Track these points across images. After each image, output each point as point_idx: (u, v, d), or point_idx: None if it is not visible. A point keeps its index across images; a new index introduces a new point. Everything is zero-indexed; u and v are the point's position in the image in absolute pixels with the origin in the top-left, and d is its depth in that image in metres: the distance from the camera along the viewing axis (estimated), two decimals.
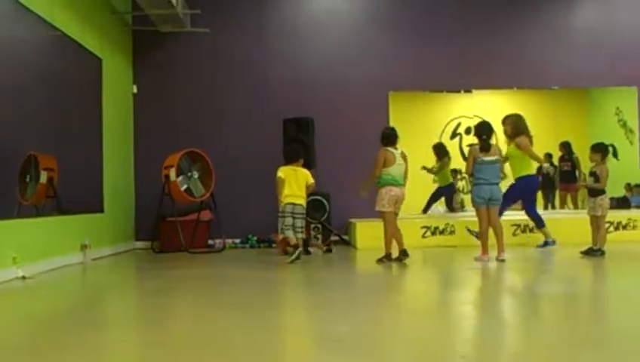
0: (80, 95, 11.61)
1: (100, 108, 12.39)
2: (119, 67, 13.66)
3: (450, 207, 15.62)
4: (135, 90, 14.34)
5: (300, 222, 10.67)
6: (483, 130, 10.60)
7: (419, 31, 14.84)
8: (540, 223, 11.76)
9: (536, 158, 11.77)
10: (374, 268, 10.20)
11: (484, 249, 10.30)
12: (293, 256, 10.48)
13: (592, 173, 10.74)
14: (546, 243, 11.62)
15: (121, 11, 13.69)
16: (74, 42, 11.21)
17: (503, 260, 10.16)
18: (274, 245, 13.25)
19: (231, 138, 14.20)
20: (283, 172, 10.69)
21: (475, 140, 10.68)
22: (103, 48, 12.57)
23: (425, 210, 15.24)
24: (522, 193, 11.71)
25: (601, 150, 10.62)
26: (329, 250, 12.18)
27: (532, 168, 11.76)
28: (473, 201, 10.57)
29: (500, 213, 11.00)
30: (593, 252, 10.45)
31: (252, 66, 14.51)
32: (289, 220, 10.57)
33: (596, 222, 10.61)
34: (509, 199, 11.37)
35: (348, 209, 13.74)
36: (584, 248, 10.64)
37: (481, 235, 10.43)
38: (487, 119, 11.45)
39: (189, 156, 12.90)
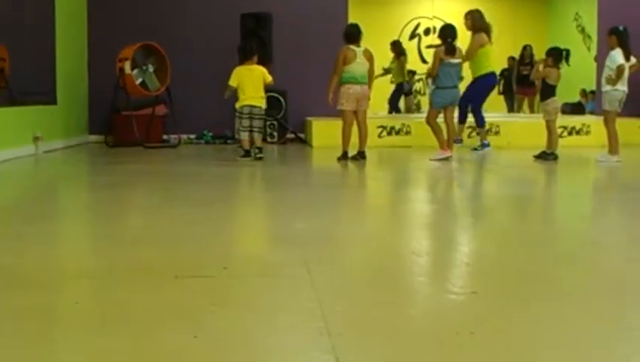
0: None
1: None
2: None
3: (394, 107, 15.54)
4: None
5: (258, 122, 10.53)
6: (448, 32, 10.54)
7: None
8: (481, 123, 11.73)
9: (467, 57, 11.40)
10: (330, 167, 10.23)
11: (443, 145, 10.33)
12: (253, 156, 10.35)
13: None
14: (483, 146, 11.61)
15: None
16: None
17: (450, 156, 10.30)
18: (229, 141, 13.16)
19: (187, 31, 13.91)
20: (237, 75, 10.39)
21: (436, 42, 10.62)
22: None
23: (391, 111, 15.23)
24: (484, 93, 11.64)
25: (552, 54, 10.60)
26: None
27: (490, 65, 11.63)
28: (433, 103, 10.59)
29: (464, 117, 11.11)
30: (546, 156, 10.53)
31: None
32: (246, 122, 10.39)
33: (547, 125, 10.65)
34: (470, 99, 11.38)
35: (305, 106, 13.65)
36: (537, 152, 10.71)
37: (435, 134, 10.41)
38: (450, 22, 11.35)
39: (145, 49, 12.65)
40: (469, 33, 11.48)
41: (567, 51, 10.57)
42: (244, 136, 10.43)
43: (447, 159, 10.19)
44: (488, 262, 4.50)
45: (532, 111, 16.59)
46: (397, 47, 15.72)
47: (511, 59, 17.22)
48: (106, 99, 12.77)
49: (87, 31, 13.91)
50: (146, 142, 12.50)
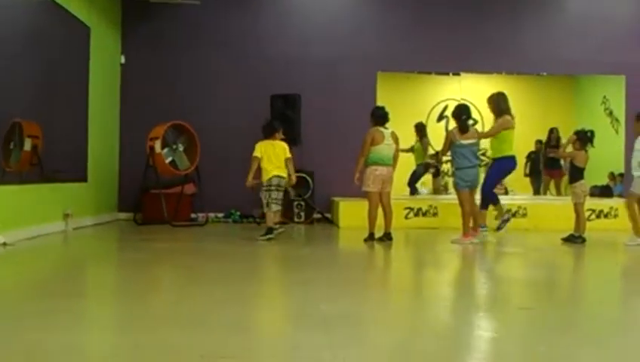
0: (67, 63, 11.54)
1: (87, 77, 12.31)
2: (107, 36, 13.58)
3: (413, 189, 15.50)
4: (123, 60, 14.24)
5: (280, 195, 10.62)
6: (462, 111, 10.59)
7: (410, 11, 14.81)
8: (495, 200, 11.44)
9: (486, 134, 11.18)
10: (356, 247, 10.24)
11: (467, 231, 10.31)
12: (275, 233, 10.42)
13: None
14: (506, 221, 11.36)
15: None
16: (62, 9, 11.12)
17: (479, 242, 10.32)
18: (258, 220, 13.20)
19: (217, 112, 14.15)
20: (260, 148, 10.52)
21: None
22: (92, 17, 12.48)
23: (412, 192, 15.24)
24: (504, 174, 11.44)
25: (579, 137, 10.67)
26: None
27: (512, 149, 11.49)
28: (457, 185, 10.54)
29: (493, 199, 10.99)
30: (574, 239, 10.51)
31: (241, 41, 14.44)
32: (275, 193, 10.47)
33: (575, 208, 10.66)
34: (492, 181, 11.16)
35: (331, 187, 13.75)
36: (565, 235, 10.69)
37: (464, 217, 10.37)
38: (468, 103, 11.34)
39: (175, 128, 12.85)
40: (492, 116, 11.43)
41: (592, 132, 10.63)
42: (276, 208, 10.48)
43: (471, 244, 10.17)
44: (513, 346, 4.47)
45: (559, 193, 16.55)
46: (420, 129, 15.81)
47: (538, 142, 17.27)
48: (136, 177, 12.93)
49: (120, 110, 14.17)
50: (175, 220, 12.60)
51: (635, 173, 10.50)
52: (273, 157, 10.49)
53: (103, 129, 13.29)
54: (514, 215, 12.36)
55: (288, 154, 10.60)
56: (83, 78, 12.19)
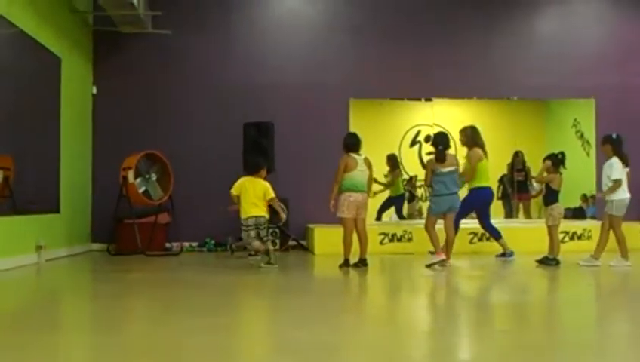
0: (38, 93, 11.48)
1: (58, 108, 12.25)
2: (79, 67, 13.53)
3: (400, 216, 15.65)
4: (95, 90, 14.20)
5: (264, 232, 10.58)
6: (439, 140, 10.66)
7: (381, 38, 14.89)
8: (496, 235, 11.73)
9: (470, 175, 11.47)
10: (331, 273, 10.23)
11: (438, 250, 10.35)
12: (268, 260, 10.43)
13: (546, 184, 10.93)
14: (503, 255, 11.60)
15: (82, 10, 13.55)
16: (32, 40, 11.07)
17: (448, 266, 10.37)
18: (233, 246, 13.12)
19: (190, 141, 14.12)
20: (240, 185, 10.52)
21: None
22: (62, 47, 12.43)
23: (378, 218, 15.29)
24: (476, 205, 11.59)
25: (552, 160, 10.78)
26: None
27: (487, 180, 11.69)
28: (430, 210, 10.63)
29: (456, 227, 11.08)
30: (548, 261, 10.56)
31: (213, 69, 14.46)
32: (253, 233, 10.46)
33: (549, 231, 10.75)
34: (462, 211, 11.29)
35: (306, 214, 13.74)
36: (539, 257, 10.75)
37: (432, 241, 10.43)
38: (444, 129, 11.45)
39: (148, 158, 12.81)
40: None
41: (562, 154, 10.77)
42: (256, 243, 10.48)
43: (442, 263, 10.21)
44: None
45: (528, 216, 16.63)
46: (392, 161, 15.88)
47: (510, 165, 17.37)
48: (109, 207, 12.86)
49: (92, 140, 14.10)
50: (149, 250, 12.53)
51: (609, 198, 10.54)
52: (253, 196, 10.44)
53: (75, 159, 13.21)
54: (488, 238, 12.43)
55: (271, 195, 10.55)
56: (54, 109, 12.13)
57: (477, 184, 11.33)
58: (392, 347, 5.19)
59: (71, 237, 12.91)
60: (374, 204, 14.40)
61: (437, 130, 15.58)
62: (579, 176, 14.93)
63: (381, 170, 14.97)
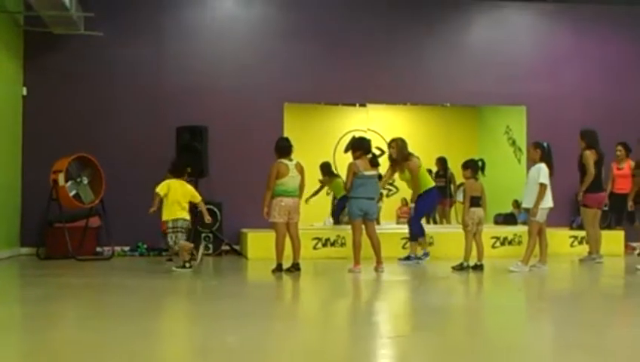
0: None
1: None
2: (8, 68, 13.27)
3: (337, 220, 15.65)
4: (25, 92, 13.94)
5: (186, 236, 10.61)
6: (366, 146, 10.77)
7: (316, 43, 14.90)
8: (421, 233, 11.94)
9: (417, 184, 11.82)
10: (264, 278, 10.22)
11: (357, 260, 10.46)
12: (197, 260, 10.48)
13: (460, 188, 11.12)
14: (425, 254, 11.81)
15: (12, 10, 13.29)
16: None
17: (382, 271, 10.42)
18: (164, 253, 13.03)
19: (123, 144, 13.94)
20: (167, 185, 10.52)
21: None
22: None
23: (336, 223, 15.23)
24: (429, 206, 11.96)
25: (470, 166, 10.90)
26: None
27: (431, 181, 12.10)
28: (350, 214, 10.74)
29: (421, 229, 11.56)
30: (465, 267, 10.65)
31: (146, 72, 14.31)
32: (181, 235, 10.46)
33: (465, 235, 10.85)
34: (420, 215, 11.89)
35: (240, 218, 13.68)
36: (456, 264, 10.83)
37: (354, 247, 10.53)
38: (379, 135, 11.53)
39: (79, 161, 12.64)
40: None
41: (482, 161, 10.95)
42: (183, 242, 10.45)
43: (357, 272, 10.32)
44: None
45: (447, 221, 16.84)
46: (326, 169, 15.83)
47: (436, 172, 17.55)
48: (39, 211, 12.66)
49: (22, 142, 13.83)
50: (79, 254, 12.36)
51: (545, 205, 10.73)
52: (181, 198, 10.49)
53: (3, 162, 12.96)
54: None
55: (199, 198, 10.74)
56: None
57: (425, 188, 11.80)
58: (320, 352, 5.20)
59: None
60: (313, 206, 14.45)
61: (371, 135, 15.71)
62: (510, 182, 15.15)
63: (314, 175, 14.96)
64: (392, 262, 11.38)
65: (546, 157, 10.83)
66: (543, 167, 10.69)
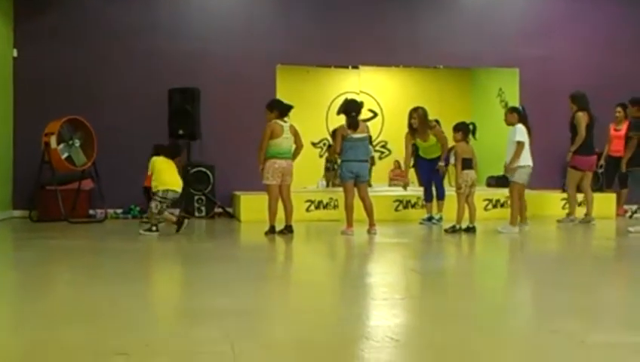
0: None
1: None
2: None
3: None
4: (15, 53, 13.85)
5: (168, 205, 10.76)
6: (352, 107, 10.76)
7: (309, 5, 14.82)
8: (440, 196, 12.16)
9: (445, 144, 11.97)
10: (257, 240, 10.25)
11: (349, 222, 10.50)
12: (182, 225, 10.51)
13: (452, 151, 11.13)
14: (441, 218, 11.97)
15: None
16: None
17: (375, 233, 10.44)
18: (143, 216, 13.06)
19: (115, 107, 13.87)
20: (157, 164, 10.67)
21: (366, 115, 10.84)
22: None
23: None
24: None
25: (460, 129, 10.92)
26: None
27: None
28: (341, 177, 10.77)
29: (443, 194, 11.85)
30: (458, 229, 10.69)
31: (139, 34, 14.20)
32: (166, 206, 10.62)
33: (465, 199, 10.89)
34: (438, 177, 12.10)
35: (232, 181, 13.68)
36: (448, 226, 10.90)
37: (346, 209, 10.56)
38: (372, 97, 11.53)
39: (71, 123, 12.59)
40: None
41: (474, 125, 10.96)
42: (169, 213, 10.65)
43: (349, 234, 10.37)
44: (411, 335, 4.53)
45: None
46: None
47: None
48: (31, 173, 12.63)
49: (13, 104, 13.77)
50: (72, 217, 12.36)
51: (523, 163, 10.81)
52: (174, 171, 10.74)
53: None
54: (413, 206, 12.71)
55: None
56: None
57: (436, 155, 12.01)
58: (315, 314, 5.23)
59: None
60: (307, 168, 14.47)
61: (364, 97, 15.68)
62: (503, 145, 15.05)
63: (307, 138, 14.93)
64: (384, 224, 11.40)
65: (523, 119, 10.94)
66: (519, 127, 10.85)
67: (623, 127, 12.69)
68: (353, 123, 10.55)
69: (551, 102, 12.49)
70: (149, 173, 10.85)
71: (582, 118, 11.83)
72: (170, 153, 10.91)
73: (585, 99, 12.01)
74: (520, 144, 10.72)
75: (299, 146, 10.62)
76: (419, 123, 11.91)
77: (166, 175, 10.56)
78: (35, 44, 13.85)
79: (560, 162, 13.50)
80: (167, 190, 10.51)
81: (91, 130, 12.64)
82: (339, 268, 8.14)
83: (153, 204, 10.53)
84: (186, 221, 10.66)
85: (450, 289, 6.52)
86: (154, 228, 10.47)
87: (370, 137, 11.02)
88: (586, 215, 12.21)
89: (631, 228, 10.80)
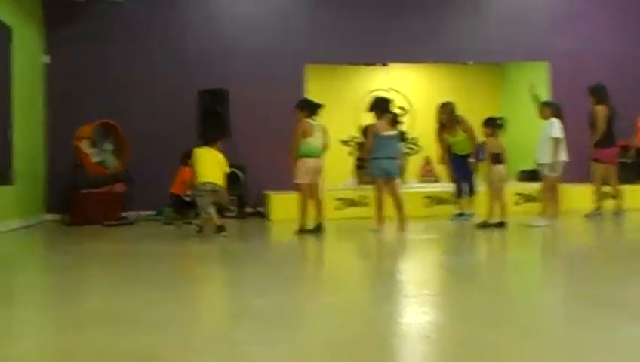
0: None
1: (9, 78, 12.06)
2: (30, 36, 13.31)
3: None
4: (48, 60, 13.97)
5: (225, 201, 10.56)
6: (385, 105, 10.75)
7: (336, 3, 14.83)
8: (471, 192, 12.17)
9: (474, 138, 11.98)
10: (288, 240, 10.25)
11: (380, 220, 10.50)
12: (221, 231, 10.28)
13: (481, 146, 11.08)
14: (461, 214, 11.92)
15: None
16: None
17: (405, 230, 10.43)
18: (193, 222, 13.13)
19: (146, 110, 13.98)
20: (197, 154, 10.46)
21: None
22: (12, 17, 12.24)
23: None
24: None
25: (490, 124, 10.86)
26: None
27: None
28: (372, 174, 10.74)
29: (474, 190, 11.89)
30: (489, 224, 10.64)
31: (167, 37, 14.30)
32: (207, 199, 10.29)
33: (489, 193, 10.86)
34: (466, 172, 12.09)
35: (263, 181, 13.72)
36: (479, 221, 10.89)
37: (376, 207, 10.54)
38: (402, 94, 11.47)
39: (103, 128, 12.69)
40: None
41: (502, 119, 10.99)
42: (211, 210, 10.32)
43: (380, 232, 10.37)
44: (444, 332, 4.51)
45: None
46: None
47: None
48: (64, 177, 12.75)
49: (45, 109, 13.91)
50: (104, 220, 12.43)
51: (556, 159, 10.74)
52: (212, 162, 10.38)
53: (28, 130, 13.03)
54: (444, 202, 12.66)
55: (227, 169, 10.55)
56: (5, 79, 11.94)
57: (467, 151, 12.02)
58: (350, 314, 5.22)
59: (24, 208, 12.77)
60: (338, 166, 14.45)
61: (394, 95, 15.64)
62: (534, 139, 15.01)
63: (336, 136, 14.92)
64: (414, 221, 11.37)
65: (557, 113, 10.87)
66: (555, 122, 10.76)
67: None
68: (394, 120, 10.60)
69: (581, 95, 12.36)
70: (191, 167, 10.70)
71: (600, 111, 11.78)
72: (209, 138, 10.71)
73: (603, 91, 11.93)
74: (556, 140, 10.64)
75: (327, 145, 10.62)
76: (447, 117, 11.90)
77: (201, 166, 10.34)
78: (66, 49, 13.99)
79: (588, 156, 13.39)
80: (204, 182, 10.30)
81: (122, 134, 12.72)
82: (370, 266, 8.12)
83: (198, 201, 10.50)
84: (226, 231, 10.36)
85: (481, 286, 6.48)
86: (197, 228, 10.47)
87: (403, 133, 11.00)
88: (616, 207, 12.11)
89: None
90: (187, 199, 11.89)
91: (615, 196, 12.20)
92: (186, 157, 11.06)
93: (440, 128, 12.05)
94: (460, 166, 12.12)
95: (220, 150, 10.67)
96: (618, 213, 11.99)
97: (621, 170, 13.02)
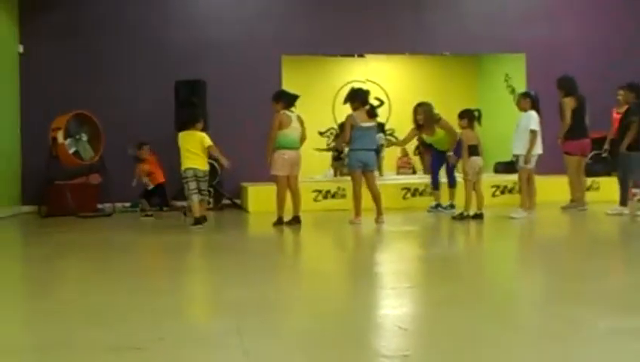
0: None
1: None
2: (4, 25, 13.19)
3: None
4: (21, 49, 13.85)
5: (204, 185, 10.49)
6: (363, 97, 10.74)
7: None
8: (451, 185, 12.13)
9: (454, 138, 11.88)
10: (265, 232, 10.25)
11: (357, 211, 10.49)
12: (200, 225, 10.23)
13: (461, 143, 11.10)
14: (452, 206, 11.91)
15: None
16: None
17: (383, 222, 10.42)
18: (165, 208, 13.13)
19: (122, 100, 13.89)
20: (179, 140, 10.40)
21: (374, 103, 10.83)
22: None
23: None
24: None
25: (466, 116, 10.89)
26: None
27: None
28: (350, 166, 10.75)
29: (454, 182, 11.86)
30: (465, 216, 10.68)
31: (143, 28, 14.21)
32: (193, 184, 10.28)
33: (465, 185, 10.90)
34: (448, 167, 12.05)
35: (240, 172, 13.66)
36: (456, 213, 10.95)
37: (354, 199, 10.55)
38: (379, 85, 11.46)
39: (78, 118, 12.61)
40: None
41: (479, 111, 10.96)
42: (195, 198, 10.29)
43: (357, 224, 10.37)
44: (420, 324, 4.54)
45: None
46: None
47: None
48: (39, 169, 12.66)
49: (20, 100, 13.79)
50: (80, 211, 12.37)
51: (531, 152, 10.81)
52: (191, 147, 10.29)
53: (2, 120, 12.93)
54: (421, 193, 12.73)
55: (209, 142, 10.38)
56: None
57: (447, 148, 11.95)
58: (324, 304, 5.24)
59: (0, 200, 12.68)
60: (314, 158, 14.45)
61: (370, 86, 15.63)
62: (511, 131, 15.06)
63: (313, 127, 14.92)
64: (392, 213, 11.40)
65: (535, 105, 10.93)
66: (533, 115, 10.83)
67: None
68: (372, 112, 10.62)
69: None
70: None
71: (567, 103, 11.75)
72: (185, 123, 10.62)
73: (572, 83, 11.89)
74: (534, 133, 10.70)
75: (303, 137, 10.61)
76: (424, 119, 11.88)
77: (184, 151, 10.29)
78: (40, 39, 13.88)
79: None
80: (185, 169, 10.25)
81: (98, 124, 12.65)
82: (347, 258, 8.14)
83: (185, 187, 10.43)
84: (206, 221, 10.35)
85: (458, 277, 6.51)
86: (195, 221, 10.25)
87: (382, 125, 10.99)
88: (571, 201, 12.04)
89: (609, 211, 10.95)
90: (149, 188, 12.95)
91: (578, 190, 12.07)
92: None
93: (417, 128, 12.04)
94: (437, 158, 12.13)
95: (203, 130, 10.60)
96: (574, 206, 11.89)
97: (596, 163, 13.08)
